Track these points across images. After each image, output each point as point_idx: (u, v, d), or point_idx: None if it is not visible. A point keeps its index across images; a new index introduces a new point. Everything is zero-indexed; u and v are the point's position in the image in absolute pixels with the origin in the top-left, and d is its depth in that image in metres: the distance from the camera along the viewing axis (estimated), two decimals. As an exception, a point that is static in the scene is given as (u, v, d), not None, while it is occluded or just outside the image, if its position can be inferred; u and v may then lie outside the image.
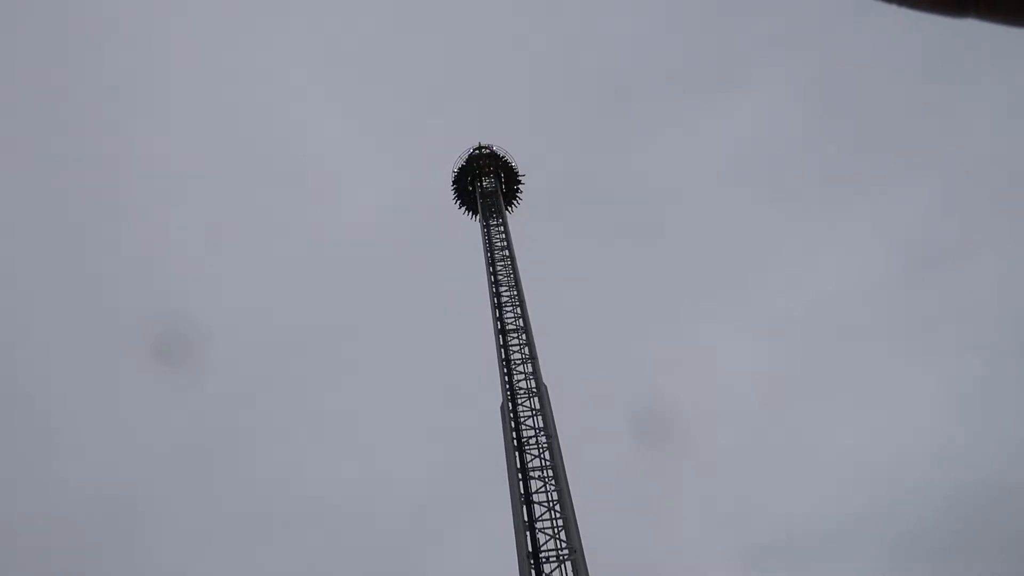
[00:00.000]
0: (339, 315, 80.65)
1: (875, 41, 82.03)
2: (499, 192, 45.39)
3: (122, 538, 63.35)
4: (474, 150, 47.11)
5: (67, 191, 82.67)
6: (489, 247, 40.77)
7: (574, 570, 25.55)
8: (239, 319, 77.02)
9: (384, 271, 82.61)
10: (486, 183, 45.93)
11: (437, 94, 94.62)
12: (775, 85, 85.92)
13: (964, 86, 77.49)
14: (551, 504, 27.88)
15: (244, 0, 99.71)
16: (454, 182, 47.06)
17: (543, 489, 28.45)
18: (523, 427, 30.78)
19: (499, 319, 36.09)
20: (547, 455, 29.40)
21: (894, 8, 1.69)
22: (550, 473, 28.75)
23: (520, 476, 28.74)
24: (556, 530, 27.08)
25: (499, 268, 39.10)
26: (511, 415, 31.11)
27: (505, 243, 40.91)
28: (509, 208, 45.77)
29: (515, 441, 30.06)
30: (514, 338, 34.84)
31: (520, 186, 47.12)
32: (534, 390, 32.09)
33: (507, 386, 32.45)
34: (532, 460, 29.41)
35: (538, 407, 31.35)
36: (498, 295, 37.45)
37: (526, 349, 34.17)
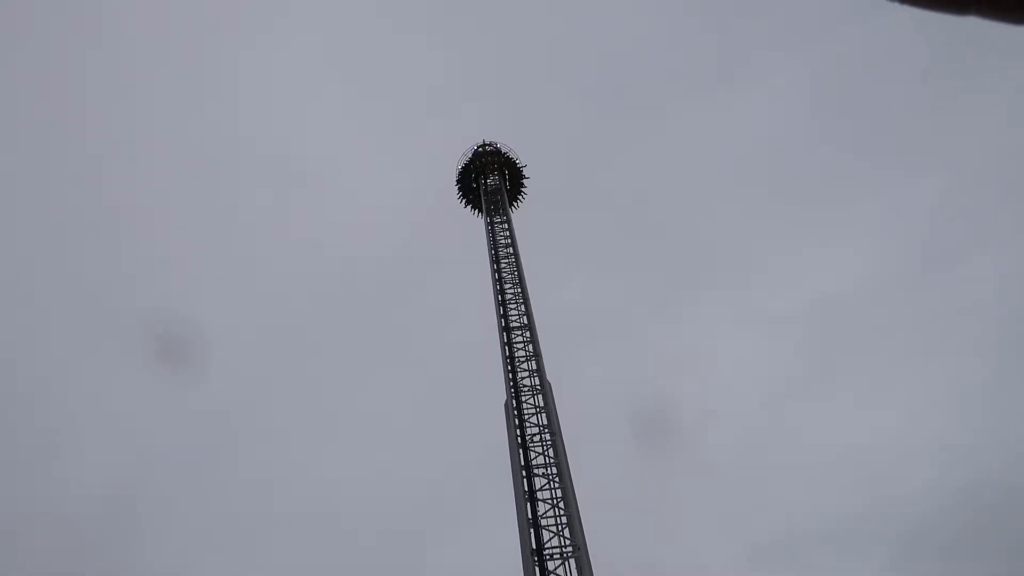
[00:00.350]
0: (341, 314, 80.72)
1: (879, 38, 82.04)
2: (503, 189, 45.34)
3: (122, 537, 63.33)
4: (478, 147, 47.09)
5: (69, 191, 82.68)
6: (493, 244, 40.71)
7: (578, 568, 25.47)
8: (240, 319, 77.10)
9: (386, 270, 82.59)
10: (490, 181, 45.90)
11: (437, 94, 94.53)
12: (778, 82, 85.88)
13: (969, 82, 77.34)
14: (555, 501, 27.81)
15: (245, 0, 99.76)
16: (458, 179, 47.04)
17: (547, 486, 28.38)
18: (527, 424, 30.70)
19: (503, 316, 36.03)
20: (551, 452, 29.33)
21: (897, 6, 1.75)
22: (554, 470, 28.67)
23: (524, 473, 28.66)
24: (560, 527, 27.00)
25: (503, 265, 39.02)
26: (515, 412, 31.04)
27: (509, 241, 40.85)
28: (513, 205, 45.73)
29: (519, 438, 29.99)
30: (518, 335, 34.75)
31: (524, 183, 47.03)
32: (538, 387, 32.02)
33: (511, 383, 32.37)
34: (536, 457, 29.35)
35: (542, 404, 31.27)
36: (502, 292, 37.38)
37: (530, 346, 34.09)
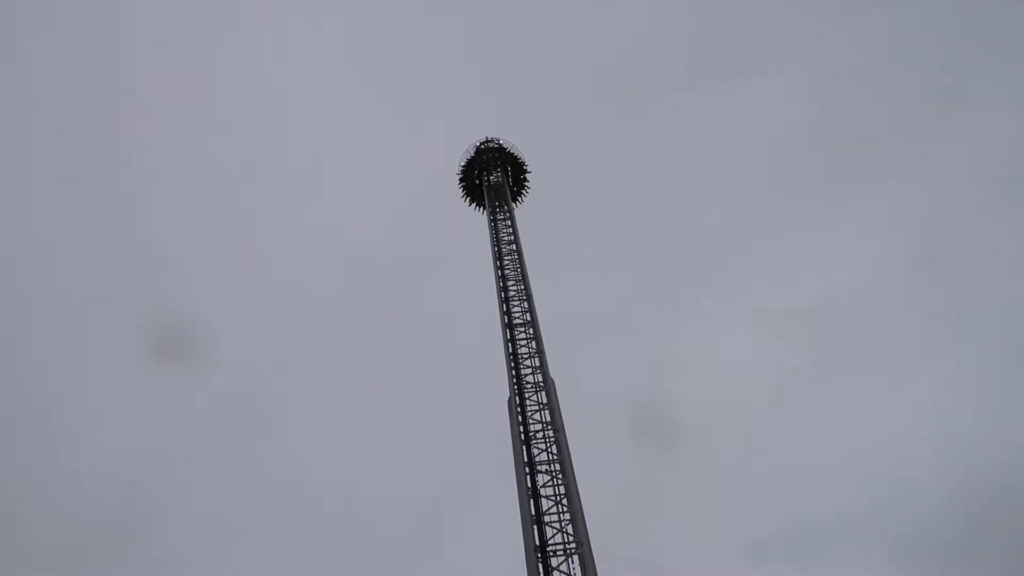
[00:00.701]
0: (344, 311, 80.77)
1: (881, 37, 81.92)
2: (506, 186, 45.42)
3: (130, 531, 63.47)
4: (481, 144, 47.19)
5: (74, 190, 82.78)
6: (496, 241, 40.77)
7: (581, 564, 25.49)
8: (244, 316, 77.14)
9: (389, 268, 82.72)
10: (493, 177, 45.99)
11: (438, 93, 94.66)
12: (779, 81, 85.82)
13: (969, 83, 77.32)
14: (558, 498, 27.86)
15: (247, 1, 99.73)
16: (461, 176, 47.11)
17: (550, 483, 28.41)
18: (530, 421, 30.74)
19: (506, 313, 36.07)
20: (554, 449, 29.35)
21: (897, 6, 1.64)
22: (557, 467, 28.70)
23: (527, 470, 28.68)
24: (563, 524, 27.05)
25: (506, 262, 39.07)
26: (518, 409, 31.06)
27: (512, 237, 40.91)
28: (516, 202, 45.83)
29: (522, 435, 30.00)
30: (521, 332, 34.79)
31: (526, 179, 47.07)
32: (541, 384, 32.04)
33: (514, 380, 32.40)
34: (539, 454, 29.38)
35: (545, 401, 31.33)
36: (505, 289, 37.42)
37: (533, 343, 34.14)
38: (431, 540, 63.73)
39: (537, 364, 33.09)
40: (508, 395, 32.02)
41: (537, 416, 30.91)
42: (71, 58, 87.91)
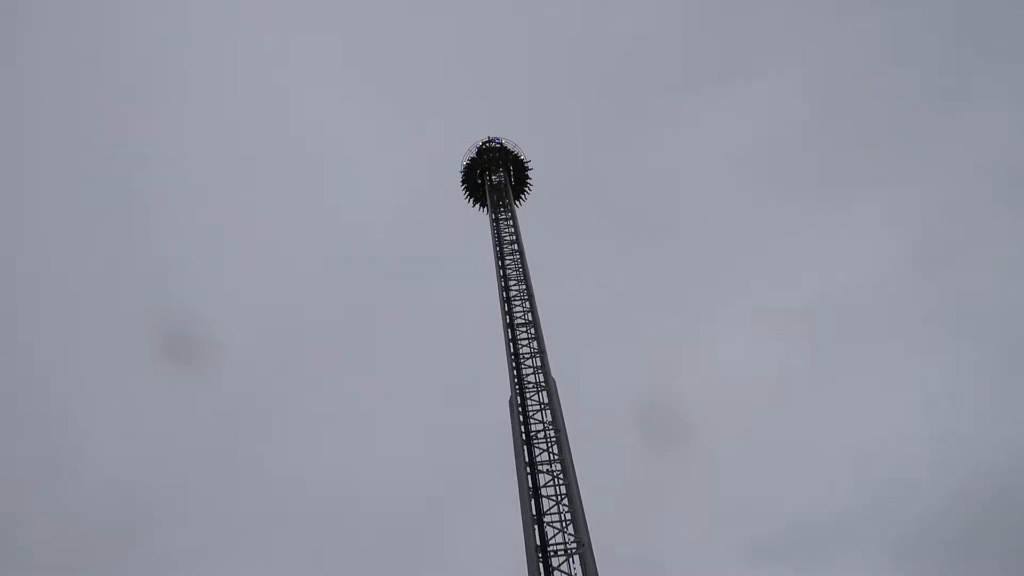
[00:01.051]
0: (346, 311, 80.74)
1: (881, 37, 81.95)
2: (508, 185, 45.44)
3: (131, 531, 63.49)
4: (483, 143, 47.25)
5: (79, 191, 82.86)
6: (498, 241, 40.78)
7: (582, 564, 25.52)
8: (247, 317, 77.15)
9: (389, 268, 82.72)
10: (495, 177, 46.02)
11: (438, 93, 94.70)
12: (779, 81, 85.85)
13: (970, 83, 77.36)
14: (559, 498, 27.87)
15: (248, 1, 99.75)
16: (463, 175, 47.16)
17: (551, 483, 28.42)
18: (531, 421, 30.75)
19: (508, 313, 36.07)
20: (555, 449, 29.37)
21: (897, 6, 1.63)
22: (558, 467, 28.71)
23: (528, 470, 28.70)
24: (564, 524, 27.06)
25: (508, 262, 39.08)
26: (519, 409, 31.06)
27: (514, 237, 40.92)
28: (517, 202, 45.86)
29: (523, 435, 30.01)
30: (522, 332, 34.80)
31: (528, 177, 47.06)
32: (542, 384, 32.05)
33: (515, 380, 32.42)
34: (540, 454, 29.39)
35: (546, 401, 31.34)
36: (507, 289, 37.44)
37: (534, 343, 34.15)
38: (431, 540, 63.76)
39: (538, 364, 33.10)
40: (509, 395, 32.04)
41: (538, 416, 30.93)
42: (76, 60, 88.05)
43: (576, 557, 25.88)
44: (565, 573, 25.66)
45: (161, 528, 64.32)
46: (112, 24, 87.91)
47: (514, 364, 33.19)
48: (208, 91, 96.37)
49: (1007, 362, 64.91)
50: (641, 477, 60.57)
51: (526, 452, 29.32)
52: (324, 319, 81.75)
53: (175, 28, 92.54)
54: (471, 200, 47.42)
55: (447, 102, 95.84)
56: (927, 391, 67.15)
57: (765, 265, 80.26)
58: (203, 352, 65.75)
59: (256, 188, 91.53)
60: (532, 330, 34.75)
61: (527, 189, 47.26)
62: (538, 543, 26.35)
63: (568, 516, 27.17)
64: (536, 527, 26.82)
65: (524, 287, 37.29)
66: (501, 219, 42.75)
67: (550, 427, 30.26)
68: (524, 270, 38.26)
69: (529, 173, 47.14)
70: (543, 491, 28.14)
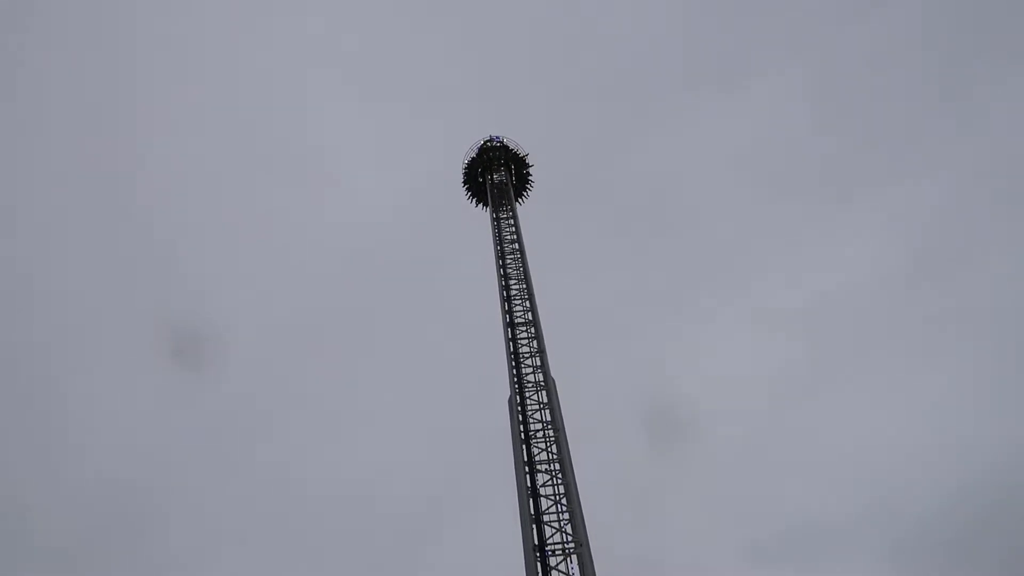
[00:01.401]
0: (347, 311, 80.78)
1: (881, 37, 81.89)
2: (509, 184, 45.46)
3: (131, 531, 63.55)
4: (484, 142, 47.33)
5: (83, 191, 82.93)
6: (499, 240, 40.77)
7: (580, 564, 25.48)
8: (247, 317, 77.21)
9: (389, 268, 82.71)
10: (496, 176, 46.06)
11: (438, 93, 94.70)
12: (779, 81, 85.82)
13: (970, 83, 77.26)
14: (557, 497, 27.84)
15: (250, 2, 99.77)
16: (464, 174, 47.21)
17: (550, 482, 28.39)
18: (530, 420, 30.72)
19: (508, 312, 36.02)
20: (554, 448, 29.33)
21: (898, 6, 1.62)
22: (557, 466, 28.68)
23: (527, 469, 28.66)
24: (562, 523, 27.03)
25: (508, 261, 39.07)
26: (519, 408, 31.03)
27: (515, 236, 40.90)
28: (518, 201, 45.88)
29: (522, 434, 29.97)
30: (522, 331, 34.76)
31: (529, 175, 47.08)
32: (542, 383, 32.01)
33: (515, 379, 32.38)
34: (539, 453, 29.36)
35: (545, 400, 31.30)
36: (507, 288, 37.41)
37: (534, 342, 34.12)
38: (431, 539, 63.78)
39: (538, 363, 33.06)
40: (508, 394, 32.00)
41: (537, 415, 30.89)
42: (86, 60, 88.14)
43: (574, 557, 25.84)
44: (563, 573, 25.62)
45: (163, 527, 64.46)
46: (122, 24, 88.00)
47: (514, 363, 33.16)
48: (215, 93, 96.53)
49: (1007, 362, 64.87)
50: (641, 477, 60.62)
51: (525, 451, 29.27)
52: (323, 319, 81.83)
53: (176, 29, 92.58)
54: (472, 199, 47.51)
55: (447, 102, 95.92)
56: (927, 392, 67.17)
57: (765, 265, 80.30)
58: (206, 352, 65.85)
59: (256, 188, 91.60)
60: (532, 329, 34.72)
61: (528, 188, 47.34)
62: (536, 542, 26.31)
63: (566, 515, 27.15)
64: (534, 526, 26.77)
65: (524, 286, 37.27)
66: (502, 218, 42.76)
67: (549, 427, 30.23)
68: (524, 269, 38.26)
69: (530, 172, 47.27)
70: (541, 490, 28.11)
